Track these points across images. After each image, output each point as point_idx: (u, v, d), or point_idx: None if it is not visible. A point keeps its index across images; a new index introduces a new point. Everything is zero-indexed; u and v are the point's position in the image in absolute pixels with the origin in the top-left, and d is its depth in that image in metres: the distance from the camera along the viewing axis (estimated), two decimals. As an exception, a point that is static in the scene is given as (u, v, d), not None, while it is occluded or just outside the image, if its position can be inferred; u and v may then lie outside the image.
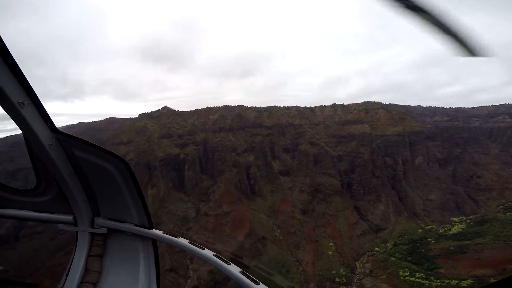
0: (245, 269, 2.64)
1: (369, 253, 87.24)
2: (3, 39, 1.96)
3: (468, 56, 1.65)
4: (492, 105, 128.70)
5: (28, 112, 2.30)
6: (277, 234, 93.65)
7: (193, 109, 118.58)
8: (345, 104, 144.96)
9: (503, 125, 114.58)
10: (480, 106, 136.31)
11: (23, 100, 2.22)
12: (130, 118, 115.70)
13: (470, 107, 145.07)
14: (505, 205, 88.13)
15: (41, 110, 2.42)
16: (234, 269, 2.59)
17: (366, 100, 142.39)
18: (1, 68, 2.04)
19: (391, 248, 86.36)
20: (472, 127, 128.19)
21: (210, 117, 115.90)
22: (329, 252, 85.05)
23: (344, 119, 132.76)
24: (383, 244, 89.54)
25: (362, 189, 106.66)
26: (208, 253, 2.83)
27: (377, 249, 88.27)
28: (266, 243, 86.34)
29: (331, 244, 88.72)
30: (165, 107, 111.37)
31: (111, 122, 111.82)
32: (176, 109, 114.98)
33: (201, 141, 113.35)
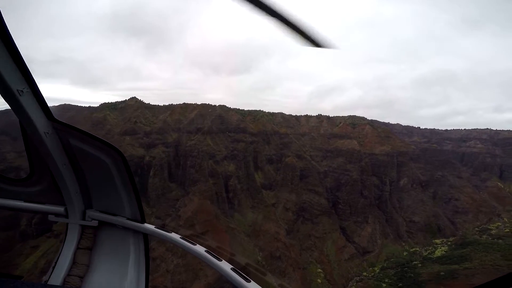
0: (237, 267, 2.73)
1: (357, 278, 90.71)
2: (7, 26, 2.14)
3: (311, 46, 2.01)
4: (464, 129, 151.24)
5: (26, 100, 2.47)
6: (259, 258, 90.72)
7: (166, 103, 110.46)
8: (330, 116, 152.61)
9: (475, 151, 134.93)
10: (453, 129, 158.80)
11: (22, 88, 2.40)
12: (89, 107, 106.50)
13: (443, 129, 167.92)
14: (480, 227, 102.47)
15: (39, 98, 2.59)
16: (226, 266, 2.73)
17: (351, 114, 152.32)
18: (2, 55, 2.19)
19: (379, 273, 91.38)
20: (445, 149, 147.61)
21: (186, 115, 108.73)
22: (318, 280, 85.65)
23: (330, 132, 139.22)
24: (371, 268, 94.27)
25: (348, 209, 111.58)
26: (199, 249, 2.98)
27: (365, 273, 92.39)
28: (249, 271, 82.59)
29: (319, 270, 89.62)
30: (134, 98, 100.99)
31: (65, 109, 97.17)
32: (147, 102, 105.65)
33: (172, 142, 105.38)
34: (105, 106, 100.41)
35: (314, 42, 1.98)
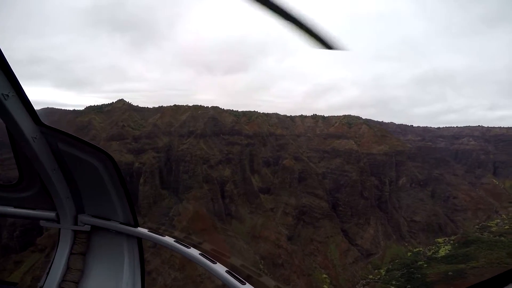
0: (232, 269, 2.72)
1: (363, 282, 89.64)
2: None
3: (322, 48, 2.05)
4: (457, 127, 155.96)
5: (12, 104, 2.45)
6: (261, 266, 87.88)
7: (156, 106, 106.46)
8: (325, 115, 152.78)
9: (468, 148, 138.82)
10: (445, 127, 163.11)
11: (7, 92, 2.38)
12: (74, 110, 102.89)
13: (436, 127, 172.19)
14: (480, 225, 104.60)
15: (26, 102, 2.59)
16: (220, 268, 2.77)
17: (345, 113, 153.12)
18: None
19: (385, 275, 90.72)
20: (439, 147, 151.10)
21: (177, 117, 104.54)
22: (324, 286, 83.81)
23: (326, 132, 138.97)
24: (376, 270, 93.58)
25: (349, 211, 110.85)
26: (193, 252, 3.01)
27: (371, 276, 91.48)
28: (253, 282, 79.43)
29: (324, 275, 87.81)
30: (121, 101, 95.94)
31: (49, 113, 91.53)
32: (135, 104, 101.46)
33: (163, 147, 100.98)
34: (90, 109, 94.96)
35: (324, 43, 1.97)
